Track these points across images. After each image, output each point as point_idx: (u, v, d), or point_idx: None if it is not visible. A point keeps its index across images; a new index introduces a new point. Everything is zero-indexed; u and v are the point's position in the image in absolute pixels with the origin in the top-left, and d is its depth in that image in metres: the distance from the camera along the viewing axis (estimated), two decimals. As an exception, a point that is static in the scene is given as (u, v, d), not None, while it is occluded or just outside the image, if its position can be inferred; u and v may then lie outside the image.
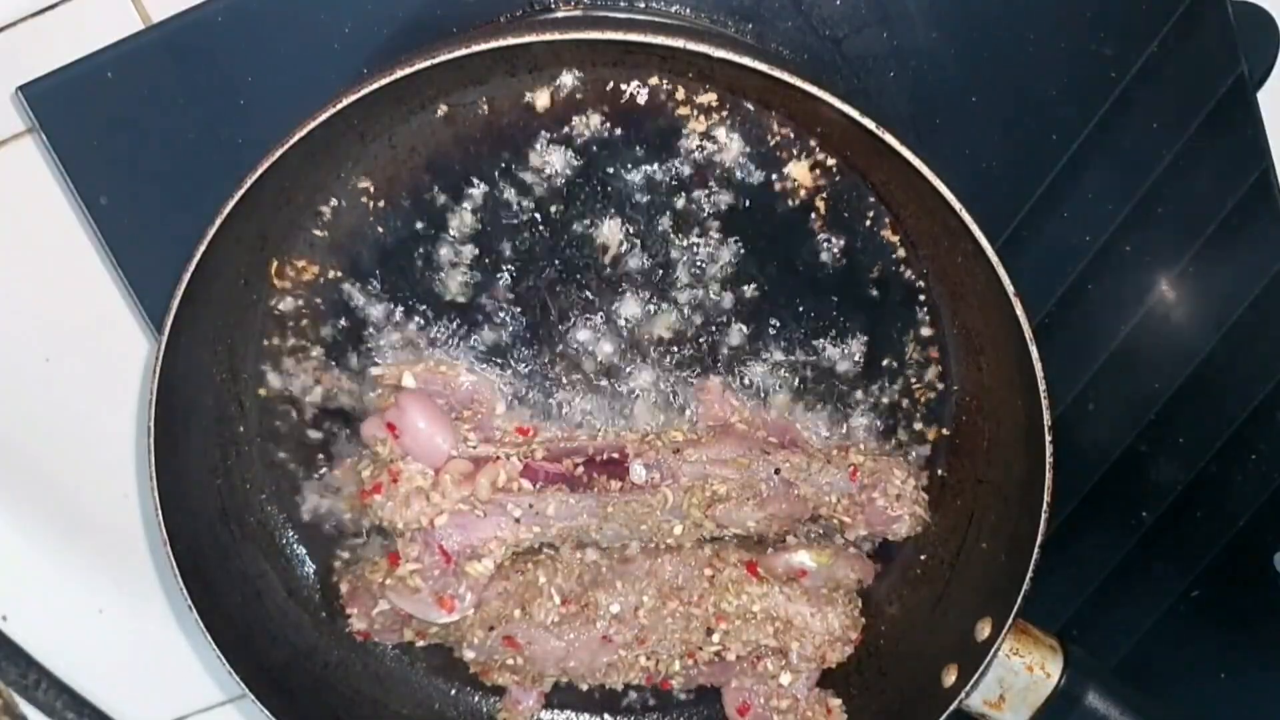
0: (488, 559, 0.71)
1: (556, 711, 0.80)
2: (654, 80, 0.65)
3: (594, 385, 0.72)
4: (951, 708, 0.68)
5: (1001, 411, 0.69)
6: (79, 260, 0.78)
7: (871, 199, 0.67)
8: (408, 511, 0.70)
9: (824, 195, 0.67)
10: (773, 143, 0.66)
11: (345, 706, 0.76)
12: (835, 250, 0.68)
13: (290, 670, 0.74)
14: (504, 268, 0.69)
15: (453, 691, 0.80)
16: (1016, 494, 0.67)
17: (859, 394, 0.72)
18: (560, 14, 0.67)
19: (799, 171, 0.67)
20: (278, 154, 0.58)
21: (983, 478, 0.71)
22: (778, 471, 0.70)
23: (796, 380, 0.71)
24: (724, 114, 0.65)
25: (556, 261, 0.69)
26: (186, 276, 0.61)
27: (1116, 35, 0.68)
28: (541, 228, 0.68)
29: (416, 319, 0.71)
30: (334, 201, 0.68)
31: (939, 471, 0.74)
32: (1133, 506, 0.80)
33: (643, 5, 0.68)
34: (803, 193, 0.67)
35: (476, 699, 0.80)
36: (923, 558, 0.75)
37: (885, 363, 0.71)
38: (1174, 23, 0.68)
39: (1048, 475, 0.63)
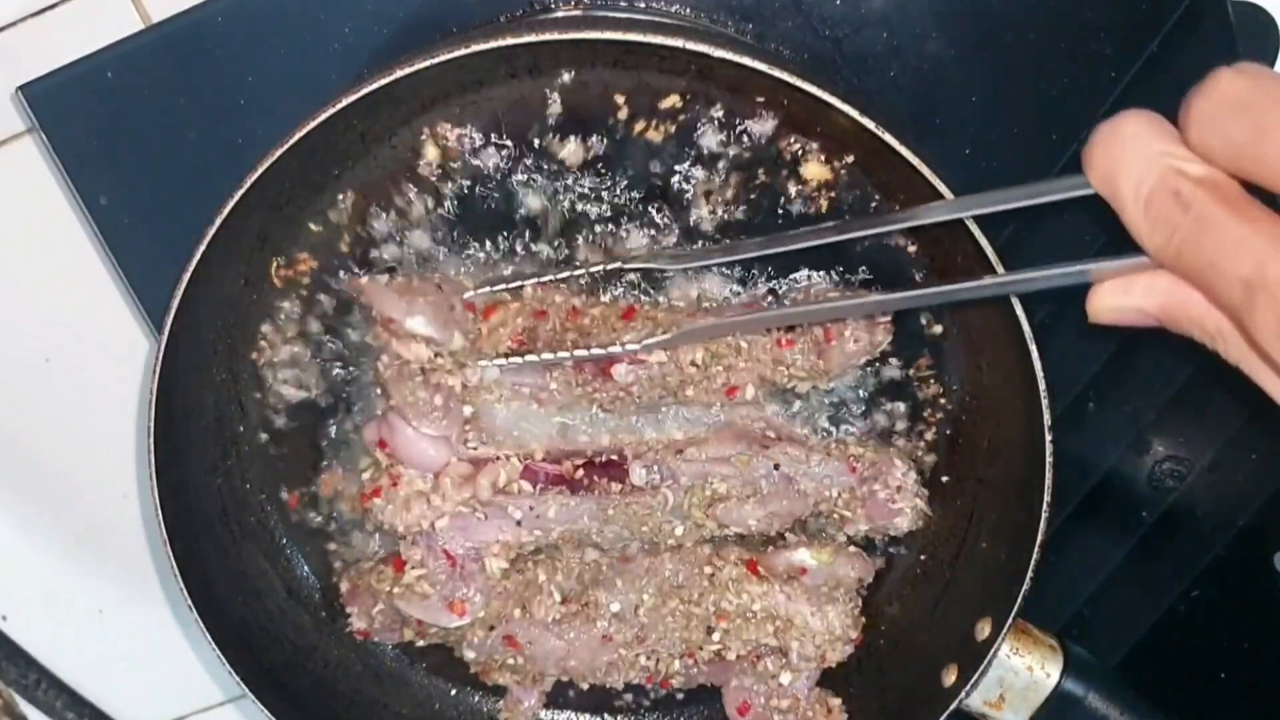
0: (495, 560, 0.71)
1: (557, 711, 0.80)
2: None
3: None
4: (951, 708, 0.68)
5: (1001, 411, 0.69)
6: (79, 260, 0.78)
7: (872, 200, 0.67)
8: (408, 515, 0.70)
9: (824, 196, 0.67)
10: (773, 143, 0.66)
11: (345, 706, 0.76)
12: (836, 251, 0.68)
13: (290, 670, 0.74)
14: (505, 266, 0.69)
15: (453, 691, 0.80)
16: (1016, 494, 0.67)
17: (859, 393, 0.72)
18: (560, 14, 0.67)
19: (801, 172, 0.67)
20: (278, 154, 0.58)
21: (983, 478, 0.72)
22: (777, 467, 0.70)
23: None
24: (722, 115, 0.65)
25: (557, 260, 0.69)
26: (186, 276, 0.61)
27: (1116, 35, 0.68)
28: (542, 226, 0.68)
29: (416, 319, 0.71)
30: (334, 201, 0.68)
31: (939, 471, 0.74)
32: (1133, 506, 0.80)
33: (643, 5, 0.68)
34: (803, 193, 0.67)
35: (476, 699, 0.80)
36: (923, 558, 0.75)
37: (885, 363, 0.71)
38: (1174, 23, 0.67)
39: (1048, 475, 0.63)
